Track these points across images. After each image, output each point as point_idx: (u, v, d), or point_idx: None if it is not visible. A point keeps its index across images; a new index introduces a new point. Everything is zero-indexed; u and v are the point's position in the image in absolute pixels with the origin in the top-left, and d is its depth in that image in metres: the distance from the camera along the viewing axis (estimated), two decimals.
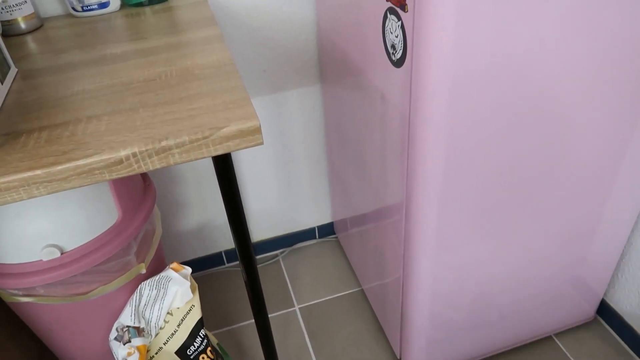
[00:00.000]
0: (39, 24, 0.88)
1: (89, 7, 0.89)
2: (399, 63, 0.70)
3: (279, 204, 1.41)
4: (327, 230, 1.52)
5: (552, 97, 0.72)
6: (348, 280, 1.39)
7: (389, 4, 0.69)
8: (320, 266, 1.44)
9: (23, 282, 0.79)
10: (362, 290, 1.35)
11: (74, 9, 0.89)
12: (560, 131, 0.78)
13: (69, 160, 0.50)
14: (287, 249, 1.51)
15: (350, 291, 1.36)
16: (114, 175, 0.52)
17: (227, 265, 1.48)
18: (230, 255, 1.46)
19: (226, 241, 1.43)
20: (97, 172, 0.51)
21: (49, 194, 0.51)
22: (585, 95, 0.74)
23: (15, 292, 0.82)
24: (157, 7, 0.92)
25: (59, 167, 0.50)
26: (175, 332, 0.92)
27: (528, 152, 0.78)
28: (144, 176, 0.99)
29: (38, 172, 0.50)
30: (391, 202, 0.89)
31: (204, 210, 1.34)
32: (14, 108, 0.62)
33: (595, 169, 0.86)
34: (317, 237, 1.53)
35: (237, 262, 1.48)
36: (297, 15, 1.09)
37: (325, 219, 1.50)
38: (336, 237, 1.53)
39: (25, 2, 0.84)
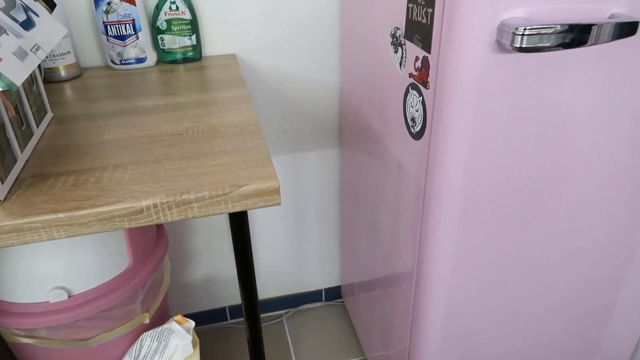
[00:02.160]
0: (79, 73, 0.93)
1: (127, 61, 0.94)
2: (417, 136, 0.72)
3: (287, 263, 1.40)
4: (334, 293, 1.50)
5: (569, 174, 0.73)
6: (352, 348, 1.35)
7: (412, 80, 0.72)
8: (325, 330, 1.41)
9: (27, 323, 0.79)
10: None
11: (112, 61, 0.95)
12: (576, 208, 0.78)
13: (92, 206, 0.52)
14: (292, 310, 1.48)
15: None
16: (133, 224, 0.53)
17: (229, 321, 1.45)
18: (234, 311, 1.44)
19: (231, 296, 1.42)
20: (117, 219, 0.52)
21: (68, 237, 0.52)
22: (603, 174, 0.75)
23: (18, 332, 0.81)
24: (190, 65, 0.97)
25: (82, 212, 0.51)
26: None
27: (544, 228, 0.78)
28: (158, 225, 1.00)
29: (61, 215, 0.51)
30: (401, 270, 0.88)
31: (212, 262, 1.34)
32: (46, 151, 0.64)
33: (613, 247, 0.85)
34: (323, 299, 1.50)
35: (241, 319, 1.46)
36: (322, 82, 1.14)
37: (333, 282, 1.48)
38: (343, 302, 1.50)
39: (69, 52, 0.90)
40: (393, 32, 0.77)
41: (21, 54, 0.53)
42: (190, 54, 0.98)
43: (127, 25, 0.91)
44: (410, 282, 0.85)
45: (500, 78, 0.62)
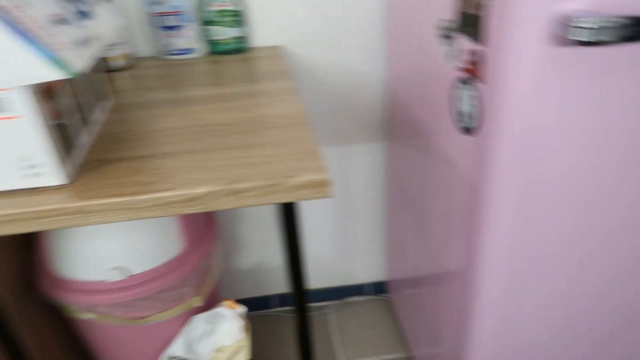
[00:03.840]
0: (132, 63, 0.96)
1: (176, 52, 0.97)
2: (468, 131, 0.72)
3: (333, 255, 1.41)
4: (380, 288, 1.50)
5: (633, 175, 0.71)
6: (397, 343, 1.34)
7: (462, 74, 0.71)
8: (370, 324, 1.41)
9: (87, 299, 0.83)
10: (411, 358, 1.29)
11: (163, 52, 0.97)
12: None
13: (151, 191, 0.54)
14: (337, 302, 1.49)
15: (399, 355, 1.31)
16: (188, 210, 0.55)
17: (274, 309, 1.47)
18: (279, 299, 1.46)
19: (277, 285, 1.44)
20: (174, 205, 0.54)
21: (127, 220, 0.54)
22: None
23: (79, 307, 0.86)
24: (238, 56, 0.99)
25: (141, 197, 0.53)
26: None
27: (606, 231, 0.76)
28: (210, 212, 1.03)
29: (121, 199, 0.53)
30: (450, 269, 0.88)
31: (260, 251, 1.36)
32: (106, 137, 0.67)
33: None
34: (368, 293, 1.50)
35: (286, 308, 1.48)
36: (369, 75, 1.14)
37: (379, 277, 1.48)
38: (389, 297, 1.49)
39: (124, 43, 0.93)
40: (443, 25, 0.76)
41: (83, 43, 0.55)
42: (238, 45, 0.99)
43: (177, 16, 0.93)
44: (459, 282, 0.84)
45: (558, 72, 0.60)
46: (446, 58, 0.76)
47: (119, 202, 0.53)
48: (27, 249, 0.94)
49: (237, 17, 0.96)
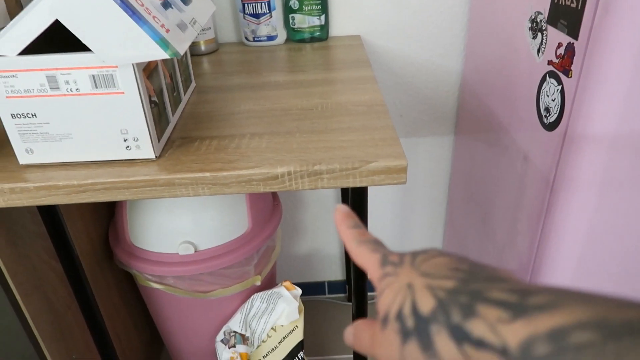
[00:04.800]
0: (216, 48, 1.00)
1: (259, 39, 1.00)
2: (551, 127, 0.69)
3: (391, 246, 1.41)
4: None
5: None
6: None
7: (551, 67, 0.68)
8: None
9: (159, 270, 0.88)
10: None
11: (246, 38, 1.00)
12: None
13: (234, 168, 0.56)
14: None
15: None
16: (268, 189, 0.57)
17: (327, 295, 1.50)
18: (332, 286, 1.48)
19: (331, 272, 1.46)
20: (254, 183, 0.57)
21: (211, 194, 0.57)
22: None
23: (150, 277, 0.91)
24: (317, 44, 1.00)
25: (225, 173, 0.56)
26: (275, 348, 0.95)
27: None
28: (274, 195, 1.06)
29: (207, 174, 0.56)
30: (515, 267, 0.85)
31: (317, 238, 1.39)
32: (190, 117, 0.71)
33: None
34: None
35: (338, 295, 1.50)
36: (444, 67, 1.12)
37: None
38: None
39: (209, 28, 0.97)
40: (533, 17, 0.73)
41: (182, 27, 0.59)
42: (318, 33, 1.01)
43: (263, 4, 0.96)
44: (525, 279, 0.81)
45: None
46: (535, 51, 0.73)
47: (204, 177, 0.56)
48: (108, 220, 1.02)
49: (319, 6, 0.98)
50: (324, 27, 1.01)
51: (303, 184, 0.57)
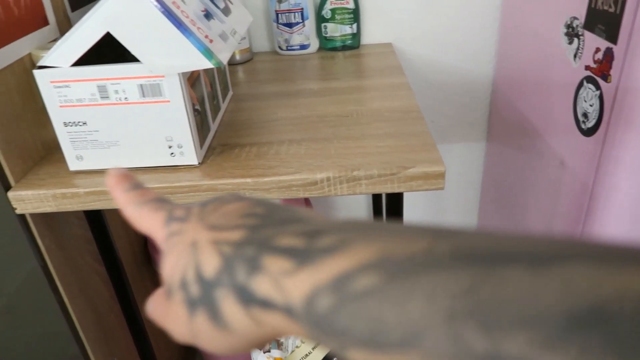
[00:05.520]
0: (251, 57, 1.03)
1: (292, 48, 1.02)
2: (589, 132, 0.68)
3: None
4: None
5: None
6: None
7: (588, 73, 0.68)
8: None
9: None
10: None
11: (279, 47, 1.03)
12: None
13: (274, 174, 0.58)
14: None
15: None
16: (307, 194, 0.58)
17: None
18: None
19: None
20: (294, 188, 0.58)
21: None
22: None
23: None
24: (349, 52, 1.02)
25: (265, 179, 0.58)
26: (309, 353, 0.96)
27: None
28: (307, 203, 1.07)
29: (248, 180, 0.58)
30: None
31: None
32: (229, 124, 0.73)
33: None
34: None
35: None
36: (475, 72, 1.11)
37: None
38: None
39: (244, 38, 0.99)
40: (569, 22, 0.73)
41: (224, 37, 0.61)
42: (350, 41, 1.02)
43: (296, 14, 0.98)
44: None
45: None
46: (571, 57, 0.73)
47: (246, 183, 0.58)
48: None
49: (351, 15, 0.99)
50: (356, 36, 1.02)
51: (342, 189, 0.58)
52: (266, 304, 0.18)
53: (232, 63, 1.00)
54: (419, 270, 0.14)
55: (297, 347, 0.96)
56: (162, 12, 0.52)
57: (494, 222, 1.18)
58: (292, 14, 0.98)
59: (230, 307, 0.18)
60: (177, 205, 0.24)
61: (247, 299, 0.18)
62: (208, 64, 0.53)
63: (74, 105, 0.57)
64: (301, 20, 0.98)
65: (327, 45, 1.03)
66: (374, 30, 1.06)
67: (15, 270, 0.66)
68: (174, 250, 0.21)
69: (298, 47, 1.01)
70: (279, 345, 0.94)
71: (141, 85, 0.56)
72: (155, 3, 0.52)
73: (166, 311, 0.22)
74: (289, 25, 0.99)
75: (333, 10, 0.99)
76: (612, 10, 0.61)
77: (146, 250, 1.01)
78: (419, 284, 0.14)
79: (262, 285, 0.18)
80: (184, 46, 0.53)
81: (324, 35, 1.02)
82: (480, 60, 1.10)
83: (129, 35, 0.53)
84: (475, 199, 1.31)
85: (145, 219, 0.24)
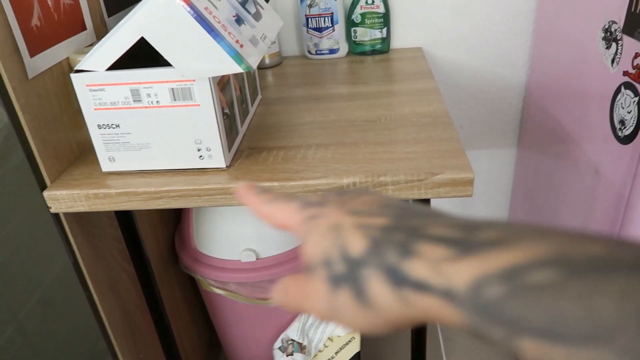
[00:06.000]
0: (280, 61, 1.03)
1: (321, 52, 1.02)
2: (626, 140, 0.66)
3: None
4: None
5: None
6: (506, 357, 1.28)
7: (626, 78, 0.66)
8: None
9: (221, 276, 0.91)
10: None
11: (309, 52, 1.03)
12: None
13: (301, 178, 0.58)
14: None
15: None
16: None
17: None
18: None
19: None
20: (320, 193, 0.58)
21: None
22: None
23: (212, 282, 0.95)
24: (378, 57, 1.01)
25: (292, 183, 0.58)
26: (332, 358, 0.96)
27: None
28: None
29: (275, 184, 0.58)
30: None
31: None
32: (258, 127, 0.73)
33: None
34: None
35: None
36: (507, 78, 1.09)
37: None
38: None
39: (274, 42, 1.00)
40: (607, 27, 0.71)
41: (254, 42, 0.61)
42: (379, 46, 1.02)
43: (326, 18, 0.98)
44: None
45: None
46: (609, 62, 0.71)
47: (272, 187, 0.58)
48: (172, 226, 1.06)
49: (381, 19, 0.99)
50: (386, 40, 1.01)
51: None
52: (421, 287, 0.18)
53: (261, 67, 1.01)
54: (603, 271, 0.15)
55: (320, 351, 0.96)
56: (195, 18, 0.53)
57: None
58: (322, 19, 0.98)
59: (377, 286, 0.19)
60: (309, 196, 0.26)
61: (399, 280, 0.19)
62: (238, 69, 0.54)
63: (108, 108, 0.59)
64: (331, 25, 0.99)
65: (356, 49, 1.03)
66: (404, 35, 1.06)
67: (48, 266, 0.68)
68: (314, 231, 0.22)
69: (327, 51, 1.02)
70: (301, 349, 0.94)
71: (172, 89, 0.57)
72: (189, 9, 0.53)
73: (304, 289, 0.23)
74: (319, 29, 0.99)
75: (363, 15, 0.99)
76: None
77: (173, 251, 1.03)
78: (604, 284, 0.15)
79: (417, 269, 0.18)
80: (215, 51, 0.54)
81: (353, 39, 1.01)
82: (513, 65, 1.08)
83: (162, 40, 0.54)
84: (505, 206, 1.28)
85: (278, 211, 0.26)
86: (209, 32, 0.53)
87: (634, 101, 0.64)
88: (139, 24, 0.54)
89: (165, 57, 0.55)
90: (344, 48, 1.02)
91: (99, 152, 0.62)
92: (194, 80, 0.56)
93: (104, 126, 0.60)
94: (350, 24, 1.00)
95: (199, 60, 0.54)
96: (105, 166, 0.63)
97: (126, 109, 0.58)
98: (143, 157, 0.62)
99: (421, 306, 0.18)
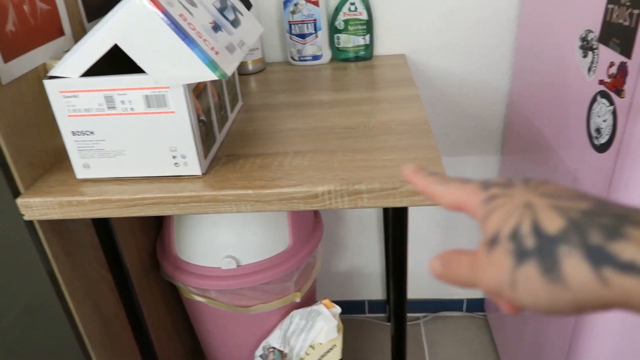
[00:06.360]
0: (263, 67, 1.03)
1: (304, 58, 1.02)
2: (602, 148, 0.66)
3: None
4: (476, 305, 1.44)
5: None
6: None
7: (602, 87, 0.66)
8: (463, 341, 1.36)
9: (202, 283, 0.91)
10: None
11: (292, 58, 1.03)
12: None
13: (276, 186, 0.58)
14: (431, 315, 1.46)
15: None
16: (309, 207, 0.58)
17: (367, 314, 1.48)
18: (372, 305, 1.47)
19: (372, 291, 1.44)
20: (295, 201, 0.58)
21: (253, 212, 0.59)
22: None
23: (193, 290, 0.94)
24: (361, 63, 1.01)
25: (267, 191, 0.58)
26: None
27: None
28: (316, 213, 1.07)
29: (250, 191, 0.58)
30: None
31: (358, 256, 1.38)
32: (236, 134, 0.73)
33: None
34: (464, 309, 1.45)
35: (378, 315, 1.48)
36: (490, 86, 1.10)
37: (476, 294, 1.43)
38: (485, 316, 1.43)
39: (257, 48, 1.00)
40: (584, 36, 0.71)
41: (231, 49, 0.61)
42: (362, 53, 1.02)
43: (309, 24, 0.98)
44: None
45: None
46: (585, 70, 0.71)
47: (247, 194, 0.58)
48: (153, 233, 1.06)
49: (364, 26, 0.99)
50: (369, 47, 1.02)
51: (343, 203, 0.57)
52: (629, 268, 0.19)
53: (244, 73, 1.01)
54: None
55: (301, 358, 0.95)
56: (169, 25, 0.53)
57: None
58: (305, 25, 0.98)
59: (574, 264, 0.20)
60: (489, 178, 0.27)
61: (602, 259, 0.19)
62: (212, 76, 0.54)
63: (82, 115, 0.58)
64: (314, 31, 0.99)
65: (339, 56, 1.03)
66: (388, 42, 1.06)
67: (22, 275, 0.67)
68: (500, 208, 0.24)
69: (310, 57, 1.02)
70: (282, 357, 0.93)
71: (147, 96, 0.56)
72: (162, 16, 0.53)
73: (478, 262, 0.24)
74: (302, 36, 0.99)
75: (346, 21, 0.99)
76: (627, 23, 0.60)
77: (154, 258, 1.02)
78: None
79: (626, 250, 0.19)
80: (189, 58, 0.53)
81: (336, 46, 1.02)
82: (496, 73, 1.09)
83: (136, 47, 0.54)
84: None
85: (455, 191, 0.27)
86: (183, 39, 0.53)
87: (610, 110, 0.64)
88: (113, 30, 0.53)
89: (139, 64, 0.54)
90: (327, 54, 1.02)
91: (73, 159, 0.61)
92: (169, 88, 0.55)
93: (78, 133, 0.59)
94: (333, 30, 1.00)
95: (173, 67, 0.54)
96: (80, 173, 0.62)
97: (100, 116, 0.58)
98: (118, 164, 0.61)
99: (621, 288, 0.19)
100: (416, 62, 1.08)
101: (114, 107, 0.57)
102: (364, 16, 0.98)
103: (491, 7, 1.01)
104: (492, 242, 0.23)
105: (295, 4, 0.97)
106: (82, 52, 0.55)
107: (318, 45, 1.00)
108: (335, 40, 1.01)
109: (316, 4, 0.96)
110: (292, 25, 0.99)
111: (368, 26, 0.99)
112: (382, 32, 1.05)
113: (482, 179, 0.25)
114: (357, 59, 1.02)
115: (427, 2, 1.02)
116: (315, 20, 0.98)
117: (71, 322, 0.71)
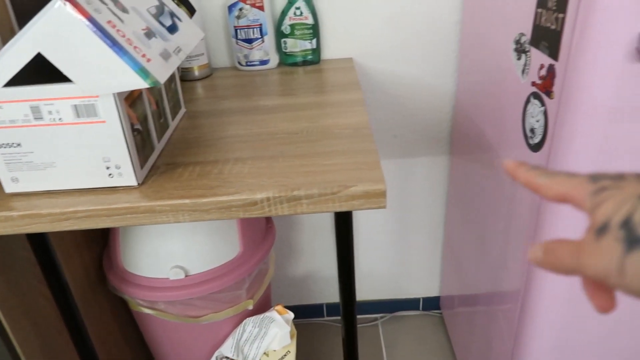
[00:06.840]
0: (209, 73, 1.02)
1: (252, 63, 1.01)
2: (536, 147, 0.69)
3: (387, 268, 1.40)
4: (432, 304, 1.47)
5: None
6: None
7: (534, 89, 0.68)
8: (420, 339, 1.38)
9: (150, 295, 0.88)
10: None
11: (239, 63, 1.02)
12: None
13: (214, 195, 0.57)
14: (388, 315, 1.48)
15: None
16: (247, 215, 0.57)
17: (325, 318, 1.48)
18: (330, 308, 1.47)
19: (329, 294, 1.45)
20: (234, 209, 0.57)
21: (191, 221, 0.58)
22: None
23: (141, 302, 0.91)
24: (309, 68, 1.01)
25: (204, 200, 0.57)
26: None
27: None
28: (268, 218, 1.06)
29: (187, 201, 0.57)
30: (507, 289, 0.84)
31: (313, 259, 1.38)
32: (177, 143, 0.72)
33: None
34: (420, 308, 1.48)
35: (337, 317, 1.49)
36: (437, 88, 1.12)
37: (432, 292, 1.45)
38: (440, 313, 1.46)
39: (203, 54, 0.98)
40: (517, 39, 0.73)
41: (165, 55, 0.60)
42: (310, 57, 1.02)
43: (255, 29, 0.97)
44: (516, 303, 0.80)
45: (636, 91, 0.56)
46: (520, 72, 0.74)
47: (184, 204, 0.57)
48: (99, 246, 1.02)
49: (311, 30, 0.99)
50: (316, 51, 1.02)
51: (282, 209, 0.57)
52: None
53: (190, 79, 0.99)
54: None
55: None
56: (94, 32, 0.51)
57: (459, 237, 1.18)
58: (251, 30, 0.98)
59: None
60: (598, 172, 0.28)
61: None
62: (143, 84, 0.52)
63: (7, 127, 0.56)
64: (260, 36, 0.98)
65: (287, 60, 1.02)
66: (335, 46, 1.07)
67: None
68: (611, 198, 0.25)
69: (258, 62, 1.01)
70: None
71: (75, 106, 0.54)
72: (87, 22, 0.51)
73: (584, 248, 0.25)
74: (248, 41, 0.99)
75: (292, 26, 0.99)
76: (553, 27, 0.62)
77: (101, 271, 0.99)
78: None
79: None
80: (118, 66, 0.52)
81: (284, 50, 1.01)
82: (442, 74, 1.11)
83: (60, 56, 0.52)
84: (442, 213, 1.31)
85: (562, 183, 0.28)
86: (110, 47, 0.52)
87: (541, 111, 0.66)
88: (35, 39, 0.51)
89: (65, 73, 0.52)
90: (274, 59, 1.02)
91: (1, 172, 0.58)
92: (98, 97, 0.54)
93: (4, 145, 0.57)
94: (279, 35, 1.00)
95: (101, 76, 0.52)
96: (9, 187, 0.59)
97: (27, 127, 0.56)
98: (49, 177, 0.59)
99: None
100: (364, 66, 1.09)
101: (41, 118, 0.55)
102: (310, 20, 0.98)
103: (435, 11, 1.03)
104: (601, 230, 0.24)
105: (240, 9, 0.96)
106: (4, 62, 0.53)
107: (265, 50, 1.00)
108: (282, 45, 1.01)
109: (261, 8, 0.96)
110: (238, 30, 0.98)
111: (314, 30, 1.00)
112: (329, 36, 1.05)
113: (591, 172, 0.28)
114: (305, 63, 1.02)
115: (372, 7, 1.03)
116: (261, 25, 0.97)
117: (7, 342, 0.68)
